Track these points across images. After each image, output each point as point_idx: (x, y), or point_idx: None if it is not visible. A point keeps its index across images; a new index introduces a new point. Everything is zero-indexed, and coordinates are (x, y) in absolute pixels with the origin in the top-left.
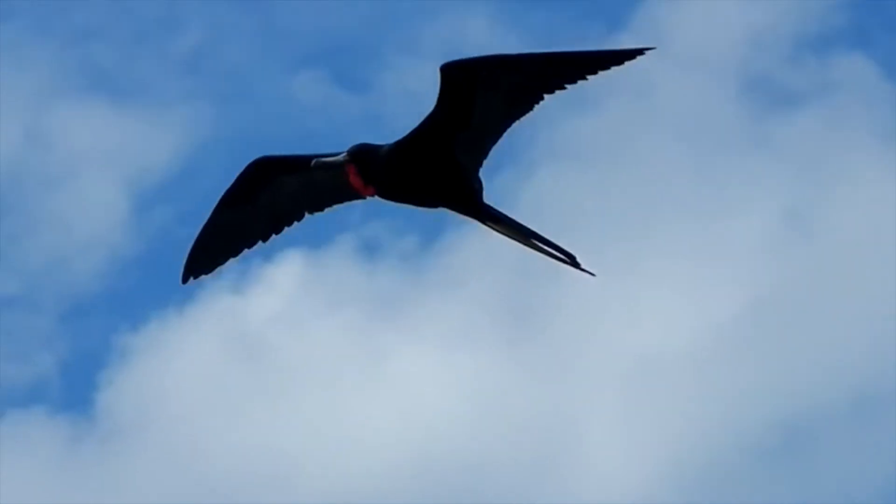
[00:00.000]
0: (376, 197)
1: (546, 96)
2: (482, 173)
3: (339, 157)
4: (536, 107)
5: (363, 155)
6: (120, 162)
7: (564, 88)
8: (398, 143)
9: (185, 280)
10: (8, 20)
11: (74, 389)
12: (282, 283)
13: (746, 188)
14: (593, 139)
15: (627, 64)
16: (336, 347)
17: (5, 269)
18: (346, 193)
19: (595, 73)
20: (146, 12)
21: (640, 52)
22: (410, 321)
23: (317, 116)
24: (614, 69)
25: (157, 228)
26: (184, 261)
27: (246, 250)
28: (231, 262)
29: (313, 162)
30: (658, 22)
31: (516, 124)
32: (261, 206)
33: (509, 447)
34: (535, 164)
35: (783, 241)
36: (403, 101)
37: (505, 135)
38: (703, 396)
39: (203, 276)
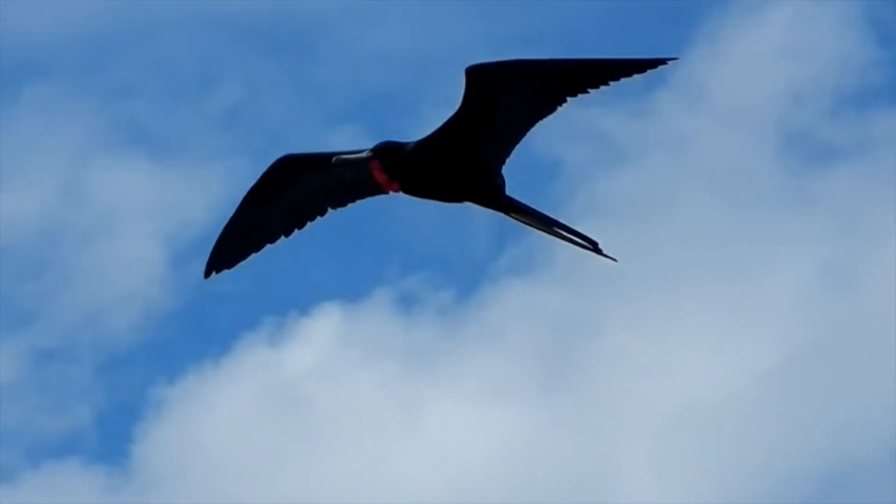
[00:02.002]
0: (400, 193)
1: (569, 99)
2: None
3: (363, 154)
4: (560, 108)
5: (388, 151)
6: (157, 216)
7: (587, 93)
8: (424, 140)
9: (207, 274)
10: (47, 76)
11: (110, 441)
12: (319, 336)
13: (784, 243)
14: (632, 194)
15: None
16: (373, 400)
17: (44, 322)
18: (369, 189)
19: (617, 79)
20: (184, 68)
21: (663, 61)
22: (447, 374)
23: None
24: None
25: (194, 282)
26: (207, 257)
27: (268, 245)
28: (253, 256)
29: (334, 159)
30: (697, 77)
31: (541, 123)
32: (284, 201)
33: (546, 499)
34: (573, 218)
35: (820, 295)
36: None
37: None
38: (740, 449)
39: (225, 271)
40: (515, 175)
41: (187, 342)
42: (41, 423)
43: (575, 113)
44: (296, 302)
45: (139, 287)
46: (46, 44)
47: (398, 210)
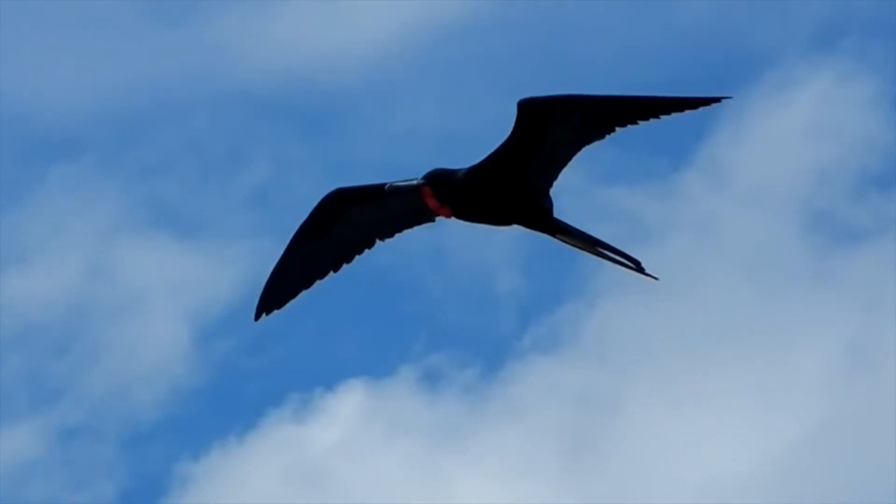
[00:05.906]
0: (451, 218)
1: (618, 129)
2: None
3: (414, 182)
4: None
5: (439, 178)
6: (183, 295)
7: (637, 124)
8: (473, 167)
9: (257, 317)
10: (75, 156)
11: None
12: (344, 412)
13: (808, 322)
14: (657, 273)
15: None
16: (397, 477)
17: (69, 399)
18: (417, 217)
19: (668, 114)
20: (211, 148)
21: (717, 99)
22: (472, 451)
23: (382, 250)
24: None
25: (219, 360)
26: (258, 299)
27: (318, 281)
28: (302, 294)
29: (387, 186)
30: (722, 158)
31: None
32: (334, 236)
33: None
34: (598, 295)
35: (844, 373)
36: (469, 231)
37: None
38: None
39: (275, 311)
40: (543, 253)
41: (212, 418)
42: (65, 500)
43: (600, 192)
44: (321, 378)
45: (164, 364)
46: (74, 123)
47: (423, 287)
